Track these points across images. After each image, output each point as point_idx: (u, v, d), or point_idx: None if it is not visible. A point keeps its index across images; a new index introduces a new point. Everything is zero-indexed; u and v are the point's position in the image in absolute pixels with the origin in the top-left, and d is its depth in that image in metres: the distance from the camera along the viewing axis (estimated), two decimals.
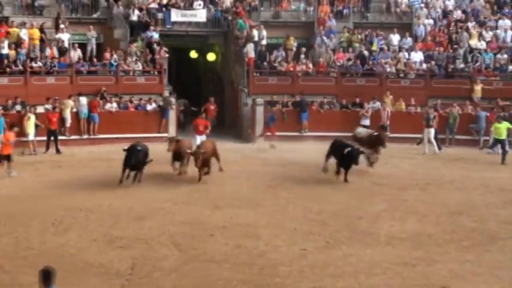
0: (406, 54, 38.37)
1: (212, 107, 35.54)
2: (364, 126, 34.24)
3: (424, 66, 37.82)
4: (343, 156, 24.12)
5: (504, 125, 30.77)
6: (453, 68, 37.56)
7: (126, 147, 23.55)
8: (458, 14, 40.60)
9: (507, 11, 40.18)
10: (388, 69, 37.61)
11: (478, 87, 36.17)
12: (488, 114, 34.67)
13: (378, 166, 28.97)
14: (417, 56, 38.14)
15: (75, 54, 36.03)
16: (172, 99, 35.38)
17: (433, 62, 37.79)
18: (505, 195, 24.13)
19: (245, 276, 16.20)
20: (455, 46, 38.43)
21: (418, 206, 22.57)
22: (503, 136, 30.42)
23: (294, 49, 38.44)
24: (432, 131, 32.78)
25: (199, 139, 27.69)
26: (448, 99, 35.75)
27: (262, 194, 24.34)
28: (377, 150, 26.41)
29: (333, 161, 25.72)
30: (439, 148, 32.98)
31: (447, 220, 21.11)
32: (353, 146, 24.66)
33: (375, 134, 26.72)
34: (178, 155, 25.49)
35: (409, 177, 26.91)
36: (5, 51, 34.52)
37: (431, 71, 37.53)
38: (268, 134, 33.60)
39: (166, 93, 35.57)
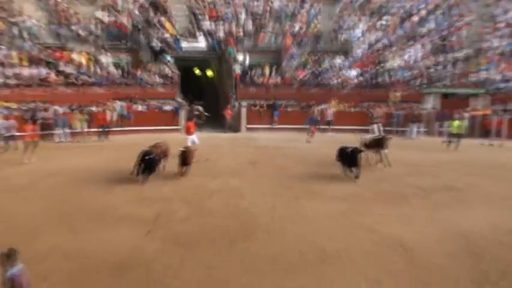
0: (346, 71, 38.57)
1: (230, 112, 35.76)
2: (315, 120, 34.74)
3: (357, 80, 38.04)
4: (348, 156, 22.06)
5: (456, 122, 30.84)
6: (378, 81, 37.80)
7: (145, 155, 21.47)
8: (384, 41, 40.74)
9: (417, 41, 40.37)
10: (333, 82, 37.78)
11: (396, 94, 36.41)
12: (402, 113, 34.99)
13: (329, 146, 29.24)
14: (353, 73, 38.40)
15: (114, 71, 36.14)
16: (184, 102, 35.62)
17: (365, 77, 38.06)
18: (412, 167, 24.59)
19: (234, 224, 16.53)
20: (381, 65, 38.69)
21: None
22: (458, 131, 30.13)
23: (267, 73, 38.58)
24: (375, 126, 33.09)
25: (190, 139, 26.49)
26: (375, 102, 36.06)
27: (246, 168, 24.60)
28: (379, 150, 24.49)
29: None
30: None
31: (374, 185, 21.42)
32: (354, 146, 22.50)
33: (379, 137, 24.89)
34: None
35: None
36: (66, 69, 34.67)
37: (363, 82, 37.66)
38: (311, 132, 32.51)
39: (179, 99, 35.76)
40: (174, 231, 15.84)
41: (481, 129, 32.71)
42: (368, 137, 25.97)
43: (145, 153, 21.21)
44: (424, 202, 19.33)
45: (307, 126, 33.03)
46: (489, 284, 12.49)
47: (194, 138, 26.58)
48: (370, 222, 16.86)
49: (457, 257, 14.12)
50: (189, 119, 32.73)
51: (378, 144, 24.14)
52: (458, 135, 29.91)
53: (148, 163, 21.01)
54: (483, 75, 36.71)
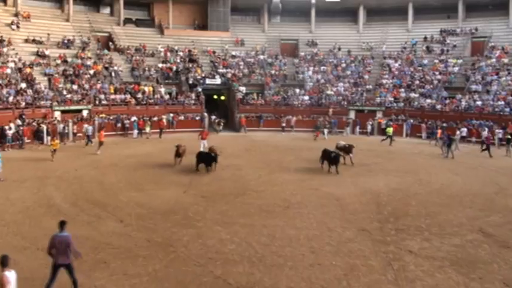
0: (302, 97, 38.15)
1: (244, 120, 34.75)
2: (283, 127, 34.46)
3: (308, 102, 37.64)
4: (332, 158, 19.01)
5: (390, 128, 29.86)
6: (321, 102, 37.48)
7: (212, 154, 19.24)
8: (324, 79, 40.34)
9: (345, 80, 40.07)
10: (294, 103, 37.37)
11: (331, 110, 35.95)
12: (337, 121, 34.73)
13: (294, 141, 28.97)
14: (306, 98, 37.94)
15: (166, 97, 35.66)
16: (206, 114, 35.13)
17: (313, 100, 37.73)
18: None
19: (237, 186, 16.31)
20: (322, 93, 38.34)
21: (307, 157, 22.50)
22: (391, 133, 29.14)
23: (256, 97, 38.07)
24: (325, 130, 32.31)
25: (203, 142, 23.38)
26: (319, 115, 35.61)
27: (244, 152, 24.28)
28: (348, 152, 20.89)
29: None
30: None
31: (318, 163, 20.39)
32: (336, 151, 19.91)
33: (348, 145, 21.36)
34: (179, 153, 20.12)
35: (305, 146, 26.85)
36: (138, 95, 34.30)
37: (312, 104, 37.29)
38: (315, 134, 31.09)
39: (204, 113, 35.22)
40: (201, 190, 15.62)
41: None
42: (341, 143, 22.33)
43: (203, 153, 19.55)
44: (347, 172, 19.18)
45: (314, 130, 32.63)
46: (389, 223, 12.30)
47: (205, 143, 23.42)
48: (316, 184, 16.75)
49: (368, 206, 13.96)
50: (212, 122, 32.24)
51: (347, 150, 21.27)
52: (391, 136, 28.98)
53: (210, 158, 19.00)
54: (381, 99, 36.57)
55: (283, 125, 34.89)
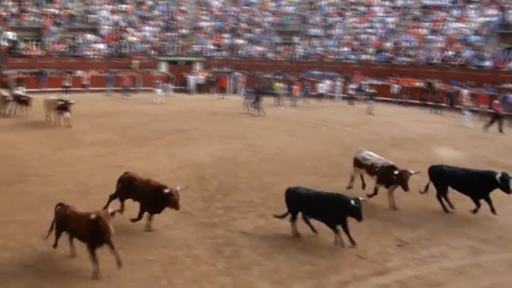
0: (96, 45, 37.14)
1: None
2: (67, 87, 32.66)
3: (106, 52, 36.81)
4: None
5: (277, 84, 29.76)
6: (122, 52, 36.91)
7: None
8: (125, 21, 39.58)
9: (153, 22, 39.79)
10: (86, 54, 36.17)
11: (136, 62, 35.68)
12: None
13: (78, 103, 27.99)
14: (102, 46, 37.04)
15: None
16: None
17: (111, 49, 36.99)
18: (150, 117, 24.25)
19: (10, 170, 15.25)
20: (123, 40, 37.73)
21: (107, 125, 22.18)
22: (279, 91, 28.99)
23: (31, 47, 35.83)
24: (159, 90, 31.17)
25: None
26: (120, 69, 35.01)
27: (17, 123, 22.70)
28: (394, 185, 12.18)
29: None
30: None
31: (122, 132, 21.00)
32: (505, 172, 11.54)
33: (397, 172, 11.75)
34: None
35: (103, 111, 26.05)
36: None
37: (111, 55, 36.50)
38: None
39: None
40: None
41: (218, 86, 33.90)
42: (374, 158, 12.95)
43: None
44: (161, 142, 19.52)
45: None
46: (216, 201, 12.80)
47: None
48: (121, 160, 16.62)
49: (189, 182, 14.22)
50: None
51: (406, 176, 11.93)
52: (278, 94, 28.96)
53: None
54: (200, 47, 37.51)
55: (67, 84, 33.14)
